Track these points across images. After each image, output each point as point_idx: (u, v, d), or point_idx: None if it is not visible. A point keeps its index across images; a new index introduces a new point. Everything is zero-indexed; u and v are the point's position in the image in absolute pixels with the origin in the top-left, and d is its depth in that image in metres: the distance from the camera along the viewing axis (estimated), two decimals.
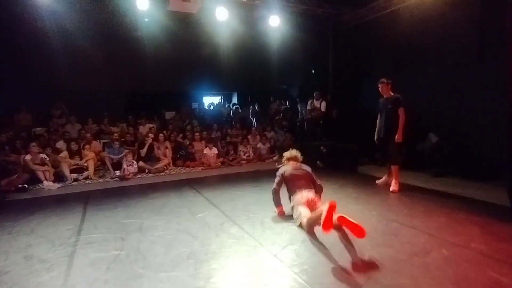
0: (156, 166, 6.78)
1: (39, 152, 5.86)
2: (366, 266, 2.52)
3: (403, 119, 4.69)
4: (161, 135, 7.39)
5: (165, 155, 7.15)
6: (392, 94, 4.96)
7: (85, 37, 8.65)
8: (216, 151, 7.52)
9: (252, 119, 11.04)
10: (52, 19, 7.59)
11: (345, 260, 2.62)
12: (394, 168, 4.92)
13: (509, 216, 3.51)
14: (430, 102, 6.47)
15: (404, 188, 4.90)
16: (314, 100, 8.34)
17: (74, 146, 6.41)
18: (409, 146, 5.23)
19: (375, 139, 5.22)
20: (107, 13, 7.47)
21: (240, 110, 11.99)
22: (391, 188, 4.79)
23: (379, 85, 5.03)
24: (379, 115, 5.14)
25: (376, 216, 3.69)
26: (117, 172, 6.30)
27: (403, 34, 6.94)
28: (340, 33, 8.33)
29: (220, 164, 7.47)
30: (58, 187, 5.59)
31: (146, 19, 8.09)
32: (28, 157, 5.74)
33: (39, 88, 8.87)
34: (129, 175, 6.15)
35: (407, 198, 4.43)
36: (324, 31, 8.45)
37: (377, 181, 5.30)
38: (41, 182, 5.64)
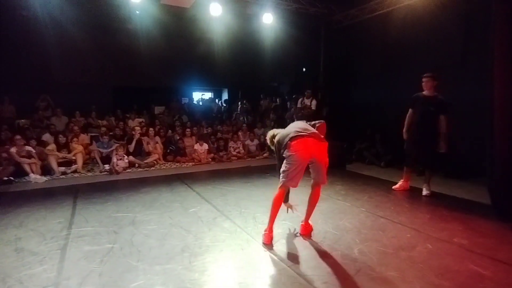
0: (146, 161, 6.73)
1: (24, 144, 5.73)
2: (355, 259, 2.62)
3: (447, 126, 4.30)
4: (151, 129, 7.33)
5: (155, 150, 7.11)
6: (436, 94, 4.48)
7: (74, 27, 8.45)
8: (207, 147, 7.52)
9: (242, 115, 11.07)
10: (40, 8, 7.37)
11: (336, 254, 2.72)
12: (427, 173, 4.65)
13: (490, 213, 3.69)
14: None
15: (390, 186, 5.05)
16: (305, 98, 8.43)
17: (61, 139, 6.28)
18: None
19: (405, 137, 4.75)
20: (98, 4, 7.32)
21: (230, 106, 12.00)
22: (424, 193, 4.53)
23: (424, 79, 4.53)
24: (412, 113, 4.67)
25: (364, 212, 3.81)
26: (106, 166, 6.23)
27: (392, 36, 7.11)
28: (332, 32, 8.44)
29: (210, 160, 7.48)
30: (45, 180, 5.49)
31: (137, 12, 7.96)
32: (13, 149, 5.60)
33: (23, 79, 8.62)
34: (119, 169, 6.09)
35: (394, 195, 4.59)
36: (316, 30, 8.55)
37: (393, 187, 4.91)
38: (27, 175, 5.53)
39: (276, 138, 3.10)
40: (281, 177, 2.91)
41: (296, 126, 2.98)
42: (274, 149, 3.21)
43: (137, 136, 6.99)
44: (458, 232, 3.20)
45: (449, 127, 4.35)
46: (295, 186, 2.92)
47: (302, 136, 2.84)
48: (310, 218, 3.21)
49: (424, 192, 4.57)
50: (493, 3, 3.68)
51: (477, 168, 5.09)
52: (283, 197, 2.98)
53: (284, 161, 2.88)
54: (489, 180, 3.86)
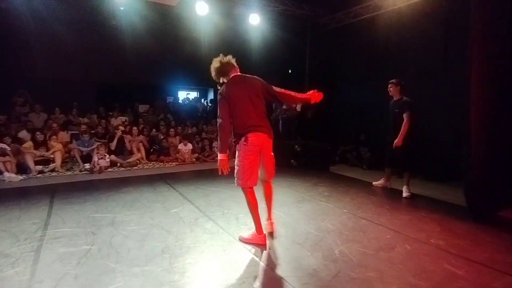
0: (128, 160, 6.59)
1: None
2: (336, 260, 2.65)
3: (407, 124, 4.57)
4: (134, 128, 7.19)
5: (138, 149, 6.97)
6: (400, 96, 4.80)
7: (56, 22, 8.15)
8: (191, 147, 7.45)
9: None
10: (26, 4, 7.09)
11: (317, 255, 2.74)
12: (405, 174, 4.78)
13: (466, 215, 3.81)
14: None
15: (372, 188, 5.18)
16: None
17: (39, 137, 6.06)
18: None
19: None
20: (84, 0, 7.11)
21: (215, 106, 11.91)
22: (404, 195, 4.66)
23: (389, 86, 4.88)
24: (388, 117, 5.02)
25: (346, 214, 3.86)
26: (87, 165, 6.05)
27: (376, 40, 7.27)
28: (318, 35, 8.55)
29: (194, 160, 7.41)
30: (21, 179, 5.28)
31: (122, 8, 7.78)
32: None
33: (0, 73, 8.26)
34: (100, 168, 5.94)
35: (375, 197, 4.68)
36: (302, 32, 8.62)
37: (373, 183, 5.26)
38: (1, 173, 5.30)
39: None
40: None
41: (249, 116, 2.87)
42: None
43: (119, 134, 6.82)
44: (435, 233, 3.29)
45: (409, 124, 4.59)
46: (255, 185, 2.97)
47: (256, 130, 2.84)
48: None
49: (404, 194, 4.70)
50: (472, 11, 3.81)
51: (456, 171, 5.26)
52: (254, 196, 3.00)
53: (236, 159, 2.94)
54: (465, 183, 3.99)
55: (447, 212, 3.99)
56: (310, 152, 6.91)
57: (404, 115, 4.62)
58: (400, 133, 4.61)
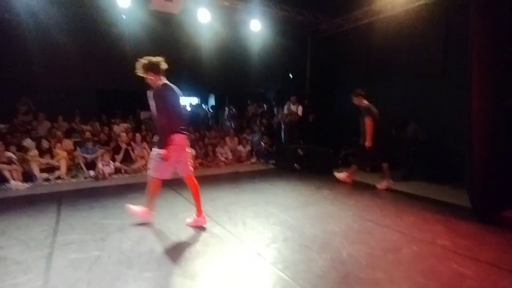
0: (132, 166, 6.62)
1: (5, 150, 5.53)
2: (344, 262, 2.68)
3: (370, 127, 5.14)
4: (138, 135, 7.23)
5: (142, 156, 7.00)
6: (364, 103, 5.35)
7: (59, 30, 8.27)
8: (194, 153, 7.48)
9: (228, 121, 11.08)
10: (22, 10, 7.18)
11: (325, 257, 2.77)
12: (354, 167, 5.54)
13: (470, 216, 3.84)
14: (399, 109, 6.88)
15: (376, 190, 5.22)
16: (291, 104, 8.54)
17: (45, 144, 6.10)
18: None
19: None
20: (84, 7, 7.20)
21: (217, 112, 12.00)
22: (379, 186, 5.34)
23: (353, 97, 5.44)
24: None
25: (351, 216, 3.89)
26: (91, 172, 6.08)
27: (375, 45, 7.36)
28: (318, 40, 8.64)
29: (198, 165, 7.44)
30: (27, 187, 5.31)
31: (124, 16, 7.88)
32: None
33: (3, 82, 8.33)
34: (103, 175, 5.97)
35: (380, 199, 4.71)
36: (302, 37, 8.72)
37: (377, 186, 5.41)
38: (7, 182, 5.33)
39: None
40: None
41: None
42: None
43: (124, 146, 6.84)
44: (441, 234, 3.32)
45: (371, 126, 5.15)
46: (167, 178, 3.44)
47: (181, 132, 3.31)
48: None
49: (380, 186, 5.30)
50: (471, 15, 3.88)
51: (458, 173, 5.30)
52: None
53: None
54: (468, 184, 4.02)
55: (452, 213, 4.02)
56: (313, 156, 6.95)
57: (366, 119, 5.18)
58: (367, 135, 5.17)
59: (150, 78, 3.32)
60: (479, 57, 3.79)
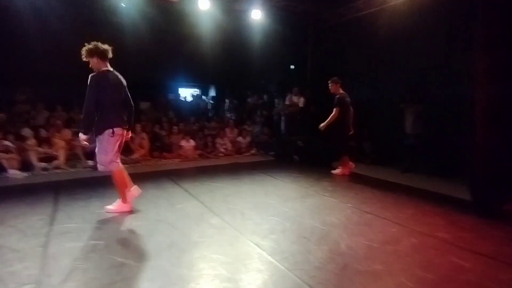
0: (131, 157, 6.60)
1: (2, 139, 5.50)
2: (343, 254, 2.66)
3: (333, 117, 5.40)
4: (138, 125, 7.18)
5: (141, 146, 6.98)
6: (339, 92, 5.56)
7: (56, 18, 8.12)
8: (194, 143, 7.45)
9: (228, 112, 11.02)
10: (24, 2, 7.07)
11: (324, 248, 2.75)
12: (344, 157, 5.73)
13: (470, 209, 3.81)
14: (400, 101, 6.81)
15: (376, 183, 5.20)
16: (293, 95, 8.47)
17: (43, 134, 6.06)
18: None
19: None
20: None
21: (218, 103, 11.93)
22: (333, 171, 5.76)
23: (329, 84, 5.60)
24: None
25: (351, 208, 3.87)
26: (90, 162, 6.06)
27: (378, 36, 7.22)
28: (320, 30, 8.50)
29: (197, 156, 7.42)
30: (25, 176, 5.29)
31: (123, 5, 7.74)
32: None
33: (1, 71, 8.24)
34: None
35: (379, 191, 4.68)
36: (304, 27, 8.57)
37: (332, 171, 5.83)
38: (5, 170, 5.31)
39: None
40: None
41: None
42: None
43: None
44: (440, 226, 3.30)
45: (336, 115, 5.42)
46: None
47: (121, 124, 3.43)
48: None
49: (334, 171, 5.71)
50: (476, 4, 3.79)
51: (459, 166, 5.26)
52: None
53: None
54: (469, 178, 3.99)
55: (452, 206, 4.00)
56: (314, 147, 6.91)
57: (334, 109, 5.41)
58: (327, 120, 5.44)
59: (94, 62, 3.31)
60: (483, 46, 3.70)
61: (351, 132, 5.69)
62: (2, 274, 2.25)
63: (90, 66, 3.35)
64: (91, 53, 3.30)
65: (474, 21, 3.81)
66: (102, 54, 3.33)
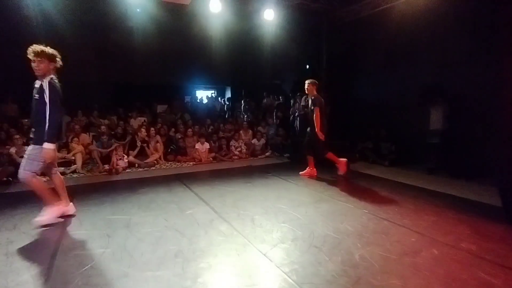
0: (146, 161, 6.65)
1: (23, 144, 5.68)
2: (356, 266, 2.49)
3: (318, 117, 5.26)
4: (152, 129, 7.24)
5: (156, 150, 7.03)
6: (315, 94, 5.42)
7: (75, 26, 8.39)
8: (208, 146, 7.42)
9: (244, 114, 10.95)
10: (40, 8, 7.31)
11: (336, 259, 2.59)
12: (310, 158, 5.63)
13: (500, 216, 3.51)
14: (420, 98, 6.47)
15: (394, 186, 4.94)
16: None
17: None
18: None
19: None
20: (99, 2, 7.24)
21: (233, 105, 11.91)
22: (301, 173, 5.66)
23: (306, 85, 5.43)
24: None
25: (366, 214, 3.67)
26: (106, 166, 6.16)
27: (396, 32, 6.91)
28: (334, 28, 8.26)
29: (211, 159, 7.39)
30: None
31: (138, 10, 7.86)
32: (12, 149, 5.56)
33: (25, 77, 8.57)
34: (116, 169, 6.02)
35: (397, 196, 4.43)
36: (318, 26, 8.37)
37: (300, 173, 5.70)
38: None
39: None
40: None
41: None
42: None
43: (139, 144, 6.86)
44: (465, 236, 3.04)
45: (318, 116, 5.28)
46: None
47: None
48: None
49: (303, 173, 5.63)
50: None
51: (485, 167, 4.91)
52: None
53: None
54: (499, 181, 3.68)
55: (478, 213, 3.71)
56: (329, 149, 6.68)
57: (315, 110, 5.26)
58: (316, 125, 5.27)
59: (44, 66, 3.15)
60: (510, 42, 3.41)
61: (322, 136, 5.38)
62: (9, 283, 2.25)
63: (36, 68, 3.16)
64: (43, 55, 3.16)
65: (501, 15, 3.52)
66: (52, 59, 3.24)
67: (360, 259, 2.60)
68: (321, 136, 5.28)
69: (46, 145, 3.12)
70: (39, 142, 3.16)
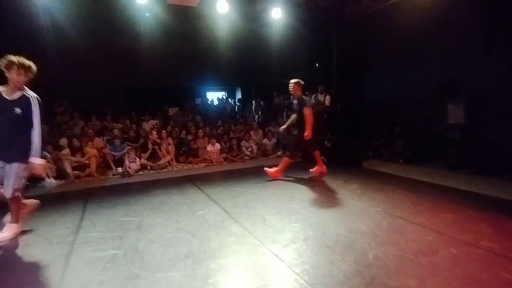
0: (158, 163, 6.72)
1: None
2: (370, 266, 2.42)
3: (310, 117, 5.10)
4: (163, 131, 7.32)
5: (167, 152, 7.09)
6: (299, 94, 5.32)
7: (87, 32, 8.59)
8: (219, 147, 7.43)
9: (255, 114, 10.94)
10: (51, 14, 7.52)
11: (349, 259, 2.52)
12: (285, 158, 5.49)
13: None
14: (435, 92, 6.29)
15: (409, 184, 4.80)
16: (318, 94, 8.19)
17: (76, 143, 6.37)
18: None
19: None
20: (108, 8, 7.38)
21: (244, 105, 11.91)
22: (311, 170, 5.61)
23: (290, 85, 5.29)
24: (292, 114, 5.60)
25: (381, 213, 3.57)
26: (119, 169, 6.25)
27: (408, 26, 6.75)
28: (344, 25, 8.14)
29: (222, 160, 7.39)
30: (60, 185, 5.56)
31: (147, 14, 7.98)
32: None
33: (39, 83, 8.82)
34: (128, 172, 6.11)
35: (413, 193, 4.30)
36: (327, 23, 8.27)
37: (311, 170, 5.66)
38: (43, 179, 5.62)
39: None
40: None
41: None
42: None
43: (150, 147, 6.94)
44: (486, 234, 2.92)
45: (310, 116, 5.13)
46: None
47: None
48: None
49: (313, 170, 5.58)
50: None
51: (507, 163, 4.72)
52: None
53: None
54: None
55: (499, 210, 3.55)
56: (341, 147, 6.59)
57: (305, 110, 5.12)
58: (307, 126, 5.09)
59: (21, 78, 2.99)
60: None
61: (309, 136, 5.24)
62: (25, 285, 2.30)
63: (12, 81, 2.98)
64: (22, 66, 2.99)
65: None
66: (28, 71, 3.06)
67: (374, 259, 2.53)
68: (309, 135, 5.13)
69: (38, 160, 3.07)
70: (23, 159, 3.03)
